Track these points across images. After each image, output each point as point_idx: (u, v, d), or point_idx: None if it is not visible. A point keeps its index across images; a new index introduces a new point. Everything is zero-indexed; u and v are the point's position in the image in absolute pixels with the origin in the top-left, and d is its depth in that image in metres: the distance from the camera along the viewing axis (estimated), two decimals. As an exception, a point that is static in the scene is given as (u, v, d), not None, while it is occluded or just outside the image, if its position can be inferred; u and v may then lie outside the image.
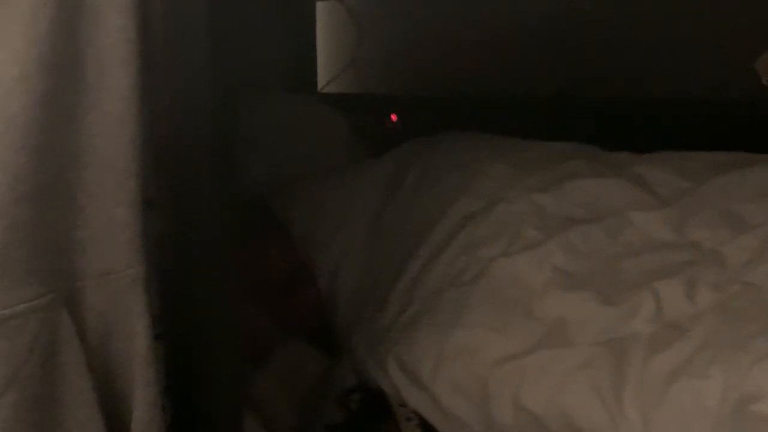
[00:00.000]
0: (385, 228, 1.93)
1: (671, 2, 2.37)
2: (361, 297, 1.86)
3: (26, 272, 1.12)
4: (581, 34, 2.45)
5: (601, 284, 1.68)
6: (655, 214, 1.83)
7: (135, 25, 1.13)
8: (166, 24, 1.16)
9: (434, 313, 1.70)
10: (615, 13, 2.42)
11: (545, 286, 1.68)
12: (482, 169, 1.94)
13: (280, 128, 2.32)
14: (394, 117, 2.71)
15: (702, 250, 1.74)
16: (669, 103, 2.31)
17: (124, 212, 1.15)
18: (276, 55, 2.84)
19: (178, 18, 1.16)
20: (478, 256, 1.76)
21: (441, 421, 1.63)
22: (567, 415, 1.51)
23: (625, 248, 1.76)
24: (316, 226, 1.96)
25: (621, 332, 1.58)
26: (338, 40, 2.84)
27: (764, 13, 2.21)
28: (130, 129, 1.14)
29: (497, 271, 1.72)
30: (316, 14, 2.85)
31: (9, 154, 1.06)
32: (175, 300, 1.22)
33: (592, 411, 1.49)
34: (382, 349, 1.69)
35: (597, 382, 1.51)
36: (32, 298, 1.12)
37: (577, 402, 1.51)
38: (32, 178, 1.11)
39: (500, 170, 1.95)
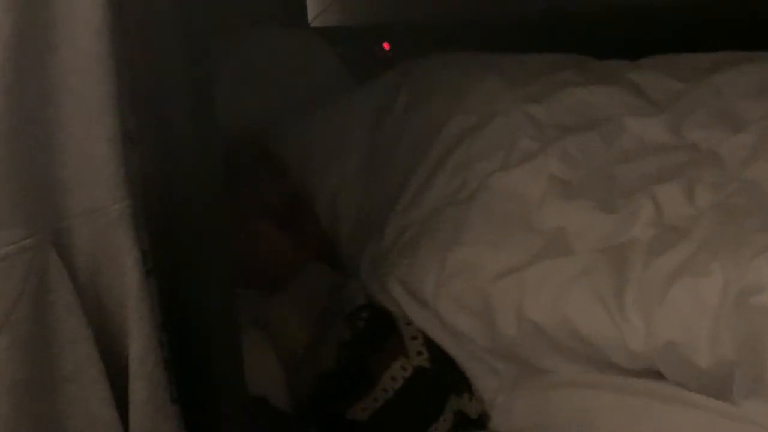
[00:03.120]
0: (381, 152, 1.91)
1: None
2: (362, 222, 1.86)
3: (10, 214, 1.11)
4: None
5: (599, 191, 1.66)
6: (651, 119, 1.81)
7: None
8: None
9: (434, 232, 1.69)
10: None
11: (543, 197, 1.67)
12: (473, 85, 1.92)
13: (270, 62, 2.30)
14: (386, 45, 2.69)
15: (699, 151, 1.72)
16: (662, 10, 2.28)
17: (104, 148, 1.14)
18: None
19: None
20: (475, 172, 1.75)
21: (446, 339, 1.63)
22: (570, 323, 1.50)
23: (622, 154, 1.74)
24: (311, 158, 1.95)
25: (621, 238, 1.57)
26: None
27: None
28: (104, 64, 1.13)
29: (495, 186, 1.71)
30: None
31: (-20, 96, 1.06)
32: (164, 234, 1.21)
33: (595, 316, 1.48)
34: (385, 270, 1.68)
35: (598, 287, 1.50)
36: (18, 239, 1.12)
37: (579, 309, 1.50)
38: (7, 118, 1.10)
39: (492, 84, 1.92)
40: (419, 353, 1.62)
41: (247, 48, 2.32)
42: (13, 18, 1.09)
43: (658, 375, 1.48)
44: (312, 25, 2.84)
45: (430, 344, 1.63)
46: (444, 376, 1.62)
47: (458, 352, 1.63)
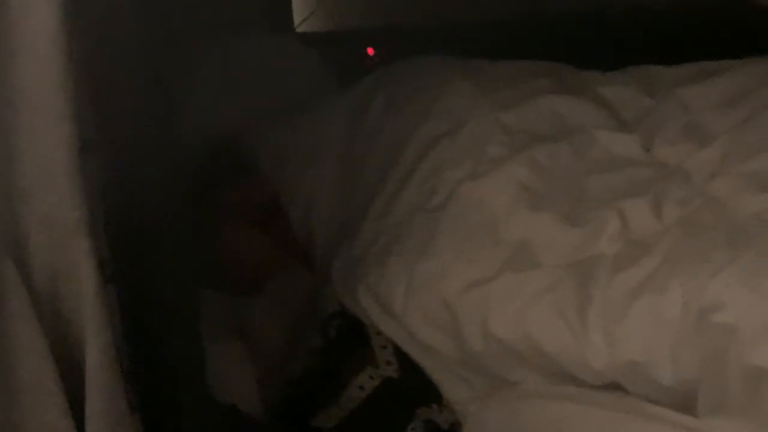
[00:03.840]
0: (356, 159, 1.91)
1: None
2: (336, 229, 1.86)
3: (-36, 222, 1.10)
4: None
5: (566, 203, 1.65)
6: (621, 134, 1.80)
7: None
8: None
9: (404, 241, 1.68)
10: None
11: (511, 206, 1.66)
12: (446, 91, 1.91)
13: (253, 68, 2.29)
14: (371, 51, 2.68)
15: (667, 167, 1.72)
16: (638, 14, 2.28)
17: (61, 155, 1.13)
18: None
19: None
20: (445, 180, 1.74)
21: (415, 350, 1.63)
22: (533, 339, 1.50)
23: (592, 166, 1.73)
24: (287, 164, 1.95)
25: (586, 253, 1.56)
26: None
27: None
28: (61, 70, 1.12)
29: (464, 195, 1.70)
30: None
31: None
32: (125, 242, 1.20)
33: (557, 334, 1.48)
34: (356, 279, 1.68)
35: (561, 304, 1.49)
36: (-27, 247, 1.11)
37: (543, 325, 1.50)
38: (-37, 127, 1.09)
39: (464, 90, 1.91)
40: (388, 363, 1.62)
41: (230, 53, 2.31)
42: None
43: (624, 387, 1.47)
44: (298, 30, 2.83)
45: (400, 354, 1.63)
46: (412, 386, 1.61)
47: (428, 362, 1.63)
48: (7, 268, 1.13)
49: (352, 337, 1.65)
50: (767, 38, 2.03)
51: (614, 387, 1.47)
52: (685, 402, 1.40)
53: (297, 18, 2.85)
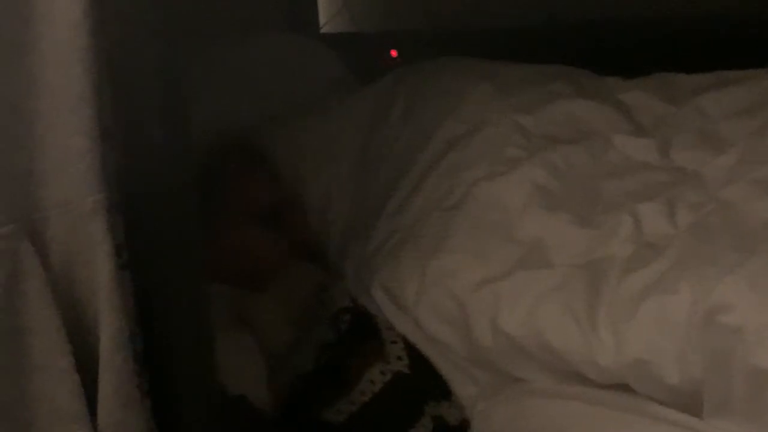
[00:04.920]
0: (373, 157, 1.93)
1: None
2: (351, 225, 1.87)
3: (-15, 204, 1.12)
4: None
5: (581, 205, 1.67)
6: (638, 139, 1.82)
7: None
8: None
9: (418, 239, 1.70)
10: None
11: (525, 205, 1.68)
12: (466, 93, 1.93)
13: (274, 67, 2.31)
14: (394, 53, 2.69)
15: (683, 172, 1.73)
16: (661, 23, 2.29)
17: (81, 141, 1.15)
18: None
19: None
20: (462, 180, 1.76)
21: (426, 345, 1.64)
22: (542, 337, 1.51)
23: (607, 170, 1.75)
24: (304, 160, 1.97)
25: (598, 254, 1.58)
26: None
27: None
28: (83, 57, 1.14)
29: (480, 195, 1.72)
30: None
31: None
32: (139, 229, 1.22)
33: (566, 331, 1.49)
34: (369, 275, 1.70)
35: (571, 302, 1.51)
36: (-8, 228, 1.13)
37: (552, 323, 1.51)
38: (-14, 110, 1.11)
39: (484, 92, 1.93)
40: (399, 358, 1.63)
41: (252, 50, 2.33)
42: (-7, 10, 1.10)
43: (630, 388, 1.48)
44: (322, 31, 2.85)
45: (411, 350, 1.64)
46: (423, 382, 1.63)
47: (438, 358, 1.64)
48: (25, 250, 1.15)
49: (363, 332, 1.66)
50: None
51: (621, 387, 1.48)
52: (690, 403, 1.41)
53: (322, 19, 2.86)
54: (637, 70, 2.06)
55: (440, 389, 1.63)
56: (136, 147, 1.19)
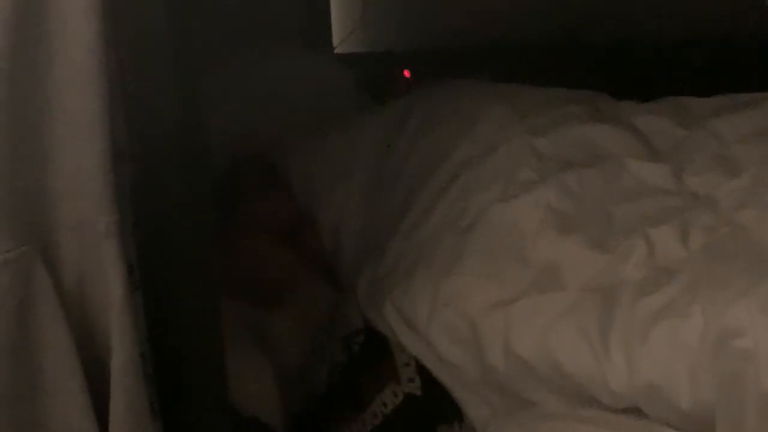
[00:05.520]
0: (387, 177, 1.93)
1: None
2: (363, 245, 1.87)
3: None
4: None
5: (594, 228, 1.67)
6: (652, 164, 1.82)
7: (97, -26, 1.13)
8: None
9: (431, 260, 1.70)
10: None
11: (539, 228, 1.67)
12: (481, 114, 1.94)
13: (287, 85, 2.32)
14: (407, 73, 2.70)
15: (696, 196, 1.73)
16: (679, 45, 2.30)
17: (94, 162, 1.16)
18: (292, 17, 2.83)
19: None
20: (475, 202, 1.76)
21: (438, 367, 1.64)
22: (554, 360, 1.50)
23: (621, 193, 1.75)
24: (318, 178, 1.97)
25: (611, 278, 1.57)
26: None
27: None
28: (97, 79, 1.14)
29: (493, 217, 1.72)
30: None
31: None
32: (152, 249, 1.23)
33: (579, 354, 1.49)
34: (381, 295, 1.70)
35: (584, 325, 1.50)
36: (5, 250, 1.13)
37: (565, 346, 1.50)
38: (1, 132, 1.12)
39: (498, 114, 1.94)
40: (411, 380, 1.63)
41: (266, 69, 2.34)
42: (7, 32, 1.10)
43: (643, 412, 1.47)
44: (336, 51, 2.86)
45: (423, 371, 1.64)
46: (434, 404, 1.62)
47: (450, 380, 1.63)
48: (38, 270, 1.16)
49: (375, 353, 1.66)
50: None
51: (633, 411, 1.48)
52: (703, 428, 1.40)
53: (336, 39, 2.88)
54: (652, 92, 2.07)
55: (452, 411, 1.62)
56: (150, 167, 1.19)
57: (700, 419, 1.40)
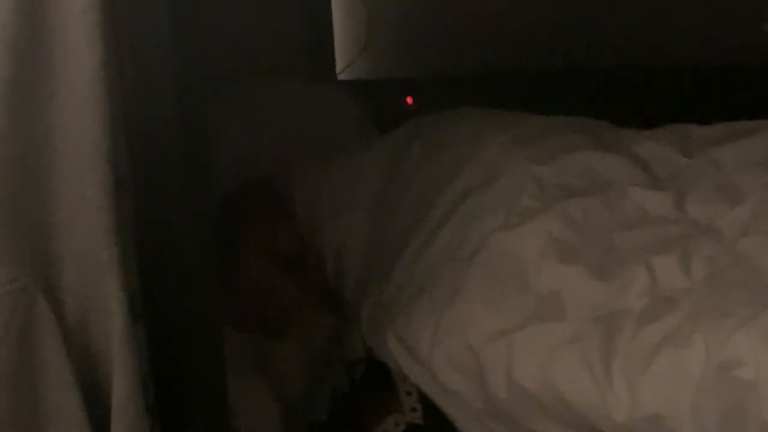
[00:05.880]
0: (389, 205, 1.93)
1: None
2: (366, 274, 1.87)
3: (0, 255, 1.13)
4: (590, 7, 2.46)
5: (596, 257, 1.67)
6: (654, 192, 1.82)
7: (100, 6, 1.13)
8: (131, 5, 1.16)
9: (433, 289, 1.70)
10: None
11: (541, 257, 1.67)
12: (482, 143, 1.94)
13: (291, 112, 2.33)
14: (410, 100, 2.71)
15: (698, 225, 1.73)
16: (680, 71, 2.31)
17: (96, 193, 1.16)
18: (295, 44, 2.84)
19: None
20: (477, 230, 1.76)
21: (440, 396, 1.63)
22: (557, 389, 1.50)
23: (623, 221, 1.75)
24: (320, 206, 1.97)
25: (613, 307, 1.57)
26: (351, 27, 2.84)
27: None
28: (99, 110, 1.15)
29: (495, 245, 1.71)
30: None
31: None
32: (154, 279, 1.23)
33: (581, 384, 1.48)
34: (384, 324, 1.69)
35: (586, 355, 1.50)
36: (6, 282, 1.14)
37: (567, 375, 1.50)
38: (2, 164, 1.12)
39: (500, 143, 1.94)
40: (413, 410, 1.63)
41: (270, 96, 2.34)
42: (12, 64, 1.11)
43: (646, 443, 1.47)
44: (339, 78, 2.86)
45: (425, 401, 1.63)
46: (437, 434, 1.62)
47: (453, 409, 1.63)
48: (39, 302, 1.16)
49: (378, 383, 1.66)
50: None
51: (636, 441, 1.48)
52: (707, 458, 1.40)
53: (339, 65, 2.88)
54: (654, 118, 2.07)
55: (454, 441, 1.62)
56: (152, 197, 1.20)
57: (704, 449, 1.40)
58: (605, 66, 2.44)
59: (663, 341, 1.46)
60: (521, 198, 1.80)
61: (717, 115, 2.04)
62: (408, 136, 2.07)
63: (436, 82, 2.67)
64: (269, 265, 1.86)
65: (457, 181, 1.88)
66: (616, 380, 1.46)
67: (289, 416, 1.69)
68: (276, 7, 2.69)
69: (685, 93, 2.24)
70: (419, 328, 1.64)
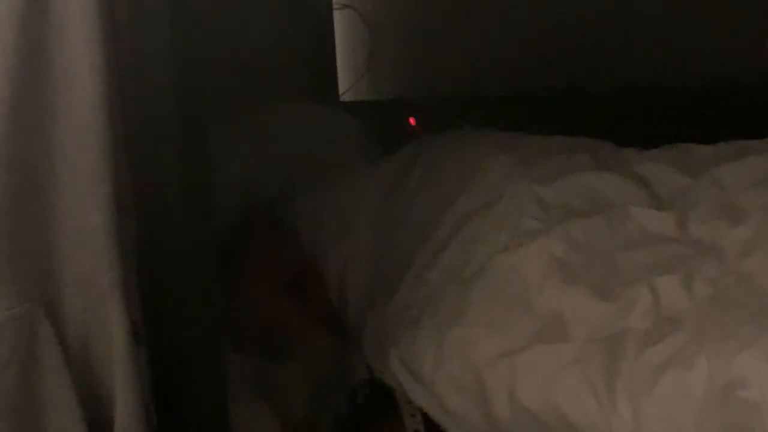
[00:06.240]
0: (391, 227, 1.93)
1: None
2: (369, 296, 1.87)
3: (3, 280, 1.13)
4: (591, 29, 2.46)
5: (599, 278, 1.67)
6: (656, 211, 1.82)
7: (102, 32, 1.14)
8: (132, 30, 1.17)
9: (435, 311, 1.70)
10: (621, 6, 2.43)
11: (543, 278, 1.67)
12: (484, 164, 1.94)
13: (293, 134, 2.33)
14: (413, 121, 2.71)
15: (701, 245, 1.73)
16: (682, 91, 2.31)
17: (98, 218, 1.16)
18: (297, 66, 2.85)
19: (142, 24, 1.16)
20: (480, 251, 1.76)
21: (444, 418, 1.63)
22: (560, 411, 1.50)
23: (626, 242, 1.75)
24: (323, 229, 1.97)
25: (617, 327, 1.57)
26: (354, 48, 2.85)
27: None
28: (102, 136, 1.15)
29: (497, 267, 1.71)
30: (333, 23, 2.86)
31: (-21, 166, 1.08)
32: (156, 303, 1.23)
33: (585, 405, 1.48)
34: (386, 347, 1.69)
35: (590, 376, 1.50)
36: (9, 306, 1.14)
37: (570, 397, 1.50)
38: (5, 188, 1.12)
39: (502, 164, 1.94)
40: (417, 431, 1.62)
41: (272, 118, 2.35)
42: (15, 89, 1.11)
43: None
44: (342, 99, 2.87)
45: (428, 422, 1.63)
46: (440, 455, 1.62)
47: (456, 431, 1.63)
48: (42, 326, 1.16)
49: (381, 405, 1.66)
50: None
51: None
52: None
53: (342, 86, 2.89)
54: (656, 139, 2.08)
55: (458, 462, 1.62)
56: (154, 221, 1.20)
57: (707, 471, 1.39)
58: (606, 87, 2.44)
59: (666, 362, 1.46)
60: (523, 219, 1.80)
61: (719, 135, 2.05)
62: (410, 158, 2.08)
63: (439, 104, 2.68)
64: (271, 289, 1.86)
65: (459, 203, 1.88)
66: (619, 401, 1.45)
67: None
68: (280, 29, 2.70)
69: (688, 113, 2.24)
70: (422, 350, 1.64)
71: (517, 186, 1.87)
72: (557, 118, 2.26)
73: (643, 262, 1.69)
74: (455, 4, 2.68)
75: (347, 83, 2.87)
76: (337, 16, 2.84)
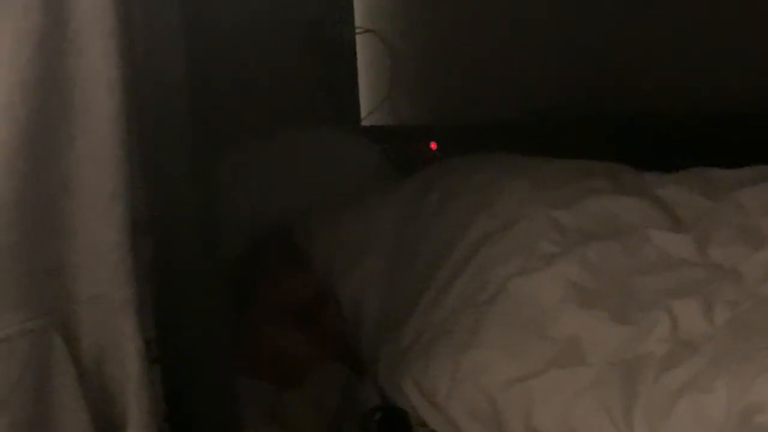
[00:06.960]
0: (407, 251, 1.93)
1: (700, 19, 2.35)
2: (384, 321, 1.86)
3: (17, 296, 1.13)
4: (610, 54, 2.46)
5: (616, 302, 1.66)
6: (675, 235, 1.82)
7: (119, 48, 1.14)
8: (148, 47, 1.17)
9: (451, 335, 1.69)
10: (641, 31, 2.42)
11: (560, 303, 1.67)
12: (501, 188, 1.94)
13: (313, 159, 2.33)
14: (433, 145, 2.71)
15: (721, 269, 1.72)
16: (701, 116, 2.31)
17: (113, 235, 1.16)
18: (319, 91, 2.85)
19: (159, 40, 1.17)
20: (495, 275, 1.75)
21: (459, 441, 1.62)
22: (577, 436, 1.49)
23: (643, 266, 1.74)
24: (338, 255, 1.97)
25: (634, 352, 1.56)
26: (376, 73, 2.85)
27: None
28: (118, 153, 1.15)
29: (513, 290, 1.71)
30: (355, 47, 2.87)
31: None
32: (170, 322, 1.23)
33: (602, 430, 1.47)
34: (401, 370, 1.68)
35: (607, 401, 1.49)
36: (23, 321, 1.13)
37: (587, 422, 1.49)
38: (21, 205, 1.12)
39: (519, 188, 1.94)
40: (431, 456, 1.61)
41: (292, 143, 2.35)
42: (32, 105, 1.12)
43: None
44: (363, 124, 2.87)
45: (442, 447, 1.62)
46: (455, 479, 1.60)
47: (472, 455, 1.62)
48: (56, 343, 1.15)
49: (395, 429, 1.64)
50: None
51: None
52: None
53: (363, 111, 2.89)
54: (676, 164, 2.07)
55: (473, 487, 1.61)
56: (168, 240, 1.20)
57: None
58: (626, 113, 2.44)
59: (684, 387, 1.44)
60: (540, 243, 1.79)
61: (740, 160, 2.04)
62: (426, 182, 2.07)
63: (458, 129, 2.68)
64: (284, 318, 1.86)
65: (475, 226, 1.87)
66: (637, 426, 1.44)
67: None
68: (303, 53, 2.71)
69: (707, 139, 2.24)
70: (437, 374, 1.63)
71: (534, 210, 1.87)
72: (576, 144, 2.25)
73: (661, 286, 1.68)
74: (476, 30, 2.68)
75: (368, 108, 2.87)
76: (359, 41, 2.84)
